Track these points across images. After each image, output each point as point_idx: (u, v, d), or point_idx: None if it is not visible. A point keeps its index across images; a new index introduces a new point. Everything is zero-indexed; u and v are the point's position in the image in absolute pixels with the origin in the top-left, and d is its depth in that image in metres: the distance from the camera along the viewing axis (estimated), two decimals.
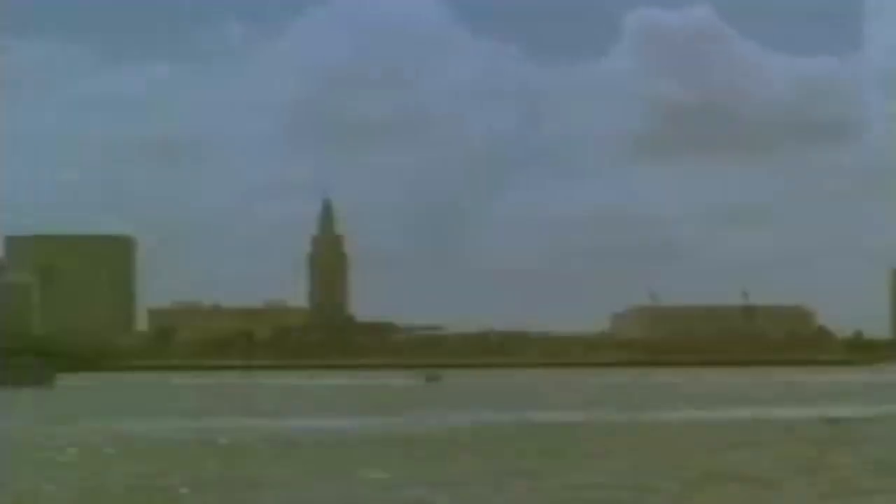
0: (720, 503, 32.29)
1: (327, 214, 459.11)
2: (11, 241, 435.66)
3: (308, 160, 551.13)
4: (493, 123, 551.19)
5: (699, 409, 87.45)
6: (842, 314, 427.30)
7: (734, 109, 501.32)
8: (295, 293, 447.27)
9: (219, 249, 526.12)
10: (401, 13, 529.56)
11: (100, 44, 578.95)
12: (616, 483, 35.51)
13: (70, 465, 43.68)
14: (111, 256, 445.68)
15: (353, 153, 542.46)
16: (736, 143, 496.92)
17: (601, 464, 42.43)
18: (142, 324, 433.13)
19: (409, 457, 46.83)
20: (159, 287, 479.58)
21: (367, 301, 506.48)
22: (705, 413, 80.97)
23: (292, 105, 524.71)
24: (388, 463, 43.19)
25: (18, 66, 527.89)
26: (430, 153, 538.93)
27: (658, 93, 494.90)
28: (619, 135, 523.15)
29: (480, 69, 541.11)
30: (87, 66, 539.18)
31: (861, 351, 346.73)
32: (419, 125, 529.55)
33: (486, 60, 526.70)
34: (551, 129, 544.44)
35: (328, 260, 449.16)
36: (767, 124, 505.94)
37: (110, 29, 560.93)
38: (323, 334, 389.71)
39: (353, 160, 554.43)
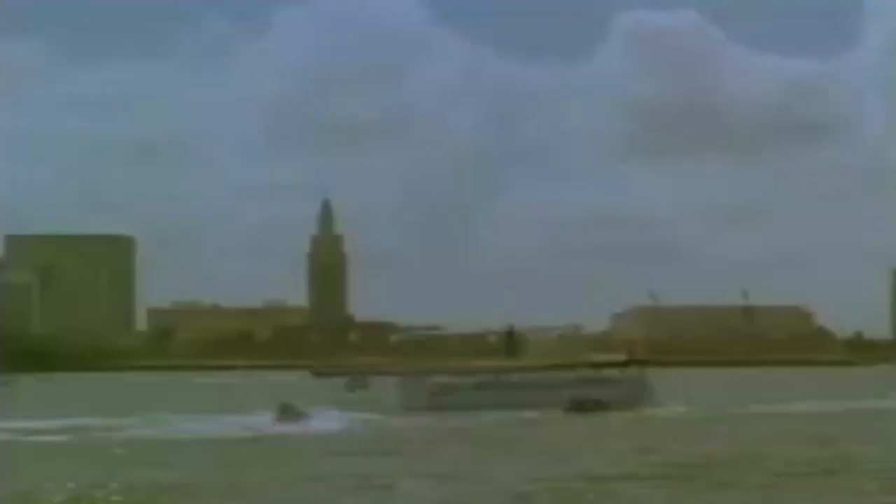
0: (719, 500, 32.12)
1: (327, 214, 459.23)
2: (11, 241, 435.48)
3: (303, 160, 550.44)
4: (486, 123, 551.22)
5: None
6: (842, 314, 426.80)
7: (725, 110, 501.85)
8: (295, 293, 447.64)
9: (218, 249, 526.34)
10: (383, 12, 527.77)
11: (80, 43, 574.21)
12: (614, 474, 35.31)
13: (74, 466, 43.44)
14: (111, 256, 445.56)
15: (348, 153, 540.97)
16: (730, 143, 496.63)
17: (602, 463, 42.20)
18: (141, 324, 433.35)
19: (407, 456, 46.68)
20: (159, 287, 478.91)
21: (366, 301, 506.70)
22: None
23: (278, 105, 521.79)
24: (383, 461, 43.01)
25: (13, 67, 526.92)
26: (425, 153, 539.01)
27: (648, 94, 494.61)
28: (611, 135, 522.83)
29: (465, 69, 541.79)
30: (67, 66, 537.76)
31: (861, 351, 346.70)
32: (407, 125, 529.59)
33: (470, 60, 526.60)
34: (541, 129, 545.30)
35: (328, 260, 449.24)
36: (761, 125, 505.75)
37: (89, 28, 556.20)
38: (323, 334, 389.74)
39: (349, 160, 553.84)
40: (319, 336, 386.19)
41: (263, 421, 64.60)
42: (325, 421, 64.92)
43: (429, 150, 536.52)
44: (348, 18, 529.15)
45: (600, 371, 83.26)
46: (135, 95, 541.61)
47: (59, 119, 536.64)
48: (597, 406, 74.06)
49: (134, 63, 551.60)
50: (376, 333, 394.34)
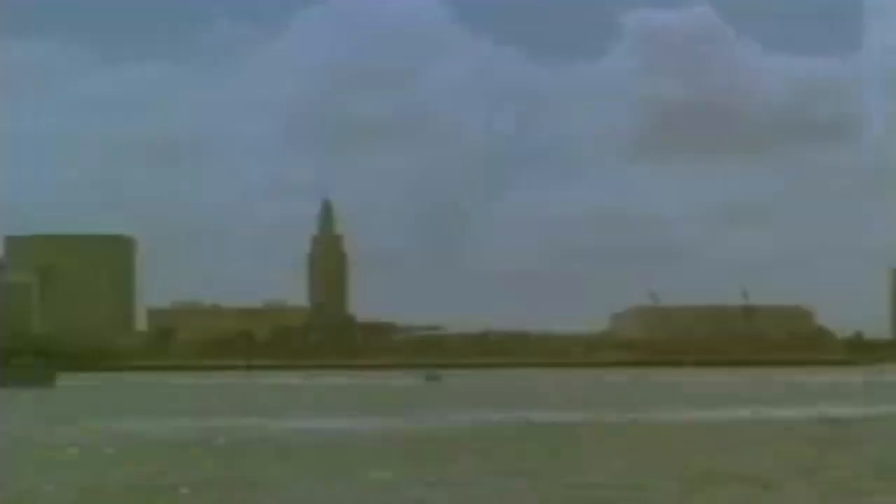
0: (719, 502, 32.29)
1: (327, 214, 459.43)
2: (11, 241, 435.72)
3: (308, 160, 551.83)
4: (493, 123, 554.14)
5: (700, 408, 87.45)
6: (842, 314, 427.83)
7: (733, 109, 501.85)
8: (295, 293, 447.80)
9: (219, 249, 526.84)
10: (398, 13, 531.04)
11: (99, 43, 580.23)
12: (616, 483, 35.52)
13: (70, 465, 43.68)
14: (111, 256, 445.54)
15: (353, 153, 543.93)
16: (735, 143, 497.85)
17: (601, 464, 42.44)
18: (141, 324, 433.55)
19: (409, 457, 46.84)
20: (159, 287, 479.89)
21: (367, 301, 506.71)
22: (705, 413, 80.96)
23: (291, 105, 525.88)
24: (388, 463, 43.20)
25: (18, 66, 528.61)
26: (430, 153, 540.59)
27: (657, 93, 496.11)
28: (618, 135, 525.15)
29: (478, 69, 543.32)
30: (86, 66, 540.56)
31: (861, 351, 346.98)
32: (419, 125, 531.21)
33: (483, 60, 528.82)
34: (550, 129, 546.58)
35: (328, 260, 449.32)
36: (767, 124, 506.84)
37: (108, 29, 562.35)
38: (323, 334, 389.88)
39: (353, 160, 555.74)
40: (319, 336, 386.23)
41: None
42: None
43: (440, 149, 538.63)
44: (364, 18, 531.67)
45: None
46: (153, 96, 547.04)
47: (77, 119, 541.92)
48: None
49: (153, 64, 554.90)
50: (377, 333, 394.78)
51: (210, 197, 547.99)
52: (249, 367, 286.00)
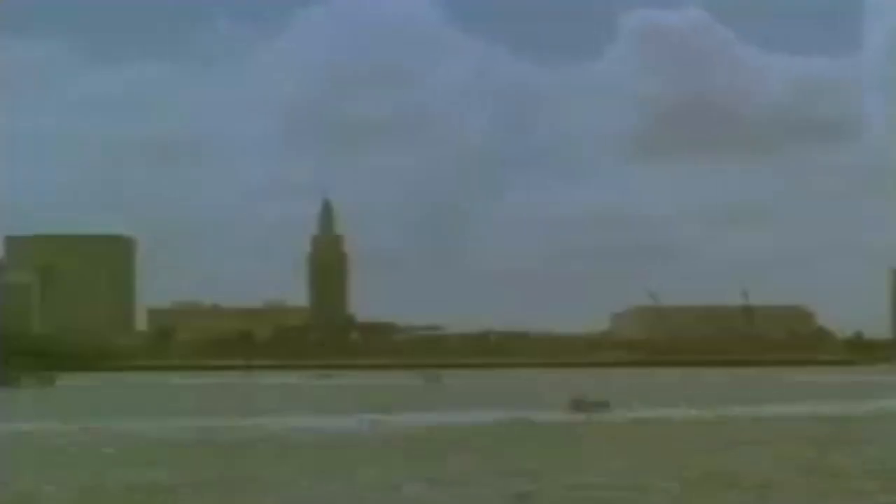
0: (720, 503, 32.30)
1: (327, 214, 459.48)
2: (11, 241, 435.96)
3: (308, 160, 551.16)
4: (492, 123, 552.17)
5: (700, 408, 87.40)
6: (842, 314, 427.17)
7: (733, 109, 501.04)
8: (295, 293, 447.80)
9: (219, 249, 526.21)
10: (399, 13, 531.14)
11: (99, 43, 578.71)
12: (616, 483, 35.52)
13: (70, 465, 43.69)
14: (111, 256, 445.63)
15: (353, 153, 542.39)
16: (735, 143, 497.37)
17: (601, 464, 42.44)
18: (141, 324, 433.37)
19: (408, 456, 46.84)
20: (159, 287, 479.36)
21: (367, 301, 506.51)
22: (706, 413, 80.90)
23: (291, 105, 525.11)
24: (388, 462, 43.21)
25: (18, 66, 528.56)
26: (430, 153, 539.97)
27: (654, 93, 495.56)
28: (617, 135, 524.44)
29: (478, 69, 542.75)
30: (86, 66, 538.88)
31: (861, 351, 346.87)
32: (418, 125, 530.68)
33: (483, 60, 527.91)
34: (549, 129, 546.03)
35: (328, 260, 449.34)
36: (766, 124, 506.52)
37: (108, 28, 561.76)
38: (323, 334, 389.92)
39: (353, 160, 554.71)
40: (319, 336, 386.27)
41: None
42: None
43: (440, 149, 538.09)
44: (364, 18, 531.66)
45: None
46: (153, 96, 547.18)
47: (77, 119, 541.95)
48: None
49: (153, 64, 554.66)
50: (377, 333, 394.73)
51: (210, 197, 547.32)
52: (249, 367, 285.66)
